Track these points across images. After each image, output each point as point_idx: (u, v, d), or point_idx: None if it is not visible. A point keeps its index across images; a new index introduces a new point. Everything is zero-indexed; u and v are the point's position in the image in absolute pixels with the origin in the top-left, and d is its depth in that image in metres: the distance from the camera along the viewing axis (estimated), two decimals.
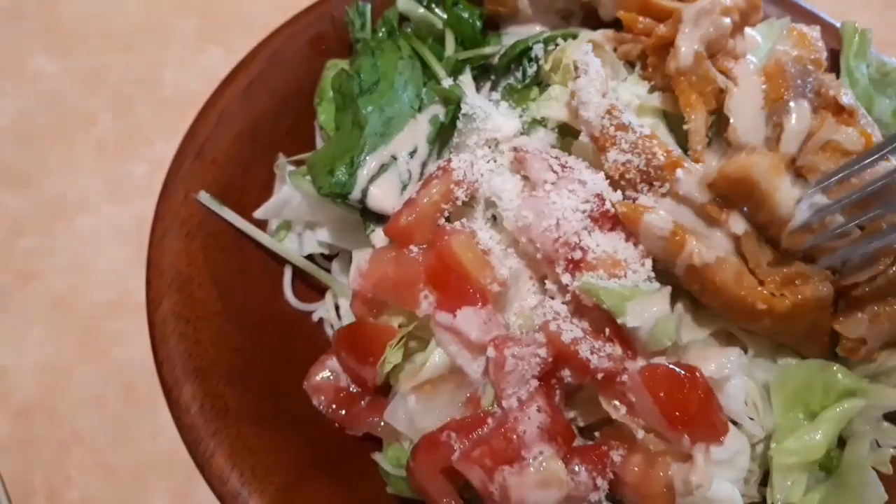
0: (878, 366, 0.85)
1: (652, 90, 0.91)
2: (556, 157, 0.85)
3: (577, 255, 0.80)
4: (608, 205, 0.82)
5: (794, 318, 0.82)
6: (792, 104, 0.83)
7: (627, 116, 0.83)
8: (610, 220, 0.82)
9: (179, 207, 0.94)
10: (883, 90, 1.00)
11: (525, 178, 0.86)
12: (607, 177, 0.84)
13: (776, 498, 0.82)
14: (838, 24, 1.06)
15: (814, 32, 0.93)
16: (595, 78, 0.85)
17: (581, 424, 0.83)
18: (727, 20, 0.86)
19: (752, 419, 0.82)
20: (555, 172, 0.83)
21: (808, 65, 0.87)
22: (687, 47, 0.83)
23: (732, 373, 0.81)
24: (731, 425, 0.79)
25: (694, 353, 0.84)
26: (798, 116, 0.83)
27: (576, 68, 0.87)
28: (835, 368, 0.83)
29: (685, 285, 0.83)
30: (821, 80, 0.86)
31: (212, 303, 0.90)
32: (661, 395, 0.74)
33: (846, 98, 0.85)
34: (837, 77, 0.98)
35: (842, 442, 0.85)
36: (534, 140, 0.89)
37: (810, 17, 1.08)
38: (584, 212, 0.81)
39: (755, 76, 0.86)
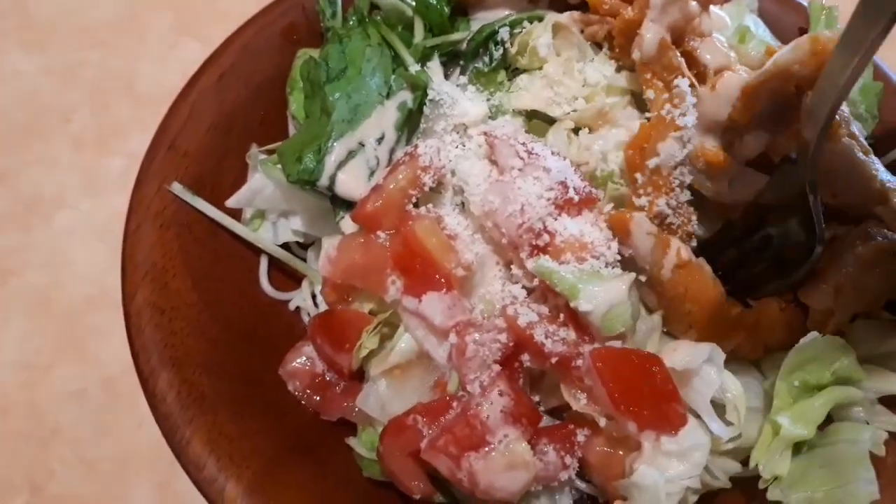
0: (877, 346, 0.84)
1: (619, 70, 0.92)
2: (523, 144, 0.85)
3: (543, 240, 0.81)
4: (571, 192, 0.82)
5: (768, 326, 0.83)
6: (747, 134, 0.84)
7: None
8: (574, 207, 0.82)
9: (153, 199, 0.94)
10: None
11: (493, 162, 0.87)
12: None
13: (761, 470, 0.81)
14: (806, 3, 1.07)
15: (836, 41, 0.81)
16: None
17: (544, 409, 0.83)
18: (694, 4, 0.86)
19: (731, 423, 0.80)
20: (521, 159, 0.84)
21: (798, 93, 0.83)
22: (652, 34, 0.83)
23: (698, 366, 0.79)
24: (692, 420, 0.78)
25: (665, 343, 0.84)
26: (751, 143, 0.85)
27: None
28: (845, 353, 0.82)
29: (669, 293, 0.82)
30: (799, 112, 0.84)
31: (187, 293, 0.91)
32: (609, 376, 0.75)
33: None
34: None
35: (828, 419, 0.84)
36: (505, 124, 0.89)
37: None
38: (548, 199, 0.81)
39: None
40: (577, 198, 0.83)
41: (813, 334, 0.80)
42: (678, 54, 0.85)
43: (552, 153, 0.85)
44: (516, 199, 0.82)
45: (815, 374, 0.80)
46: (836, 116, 0.85)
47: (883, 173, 0.83)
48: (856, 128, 0.87)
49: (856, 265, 0.80)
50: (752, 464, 0.82)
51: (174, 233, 0.94)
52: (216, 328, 0.91)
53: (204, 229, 0.96)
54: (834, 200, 0.83)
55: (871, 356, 0.82)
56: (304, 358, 0.90)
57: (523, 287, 0.84)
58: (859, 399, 0.80)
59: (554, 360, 0.78)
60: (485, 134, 0.87)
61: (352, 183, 0.88)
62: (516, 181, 0.83)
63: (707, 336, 0.82)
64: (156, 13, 1.46)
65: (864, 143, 0.86)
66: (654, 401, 0.78)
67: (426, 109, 0.91)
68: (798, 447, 0.82)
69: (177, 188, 0.94)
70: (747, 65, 0.93)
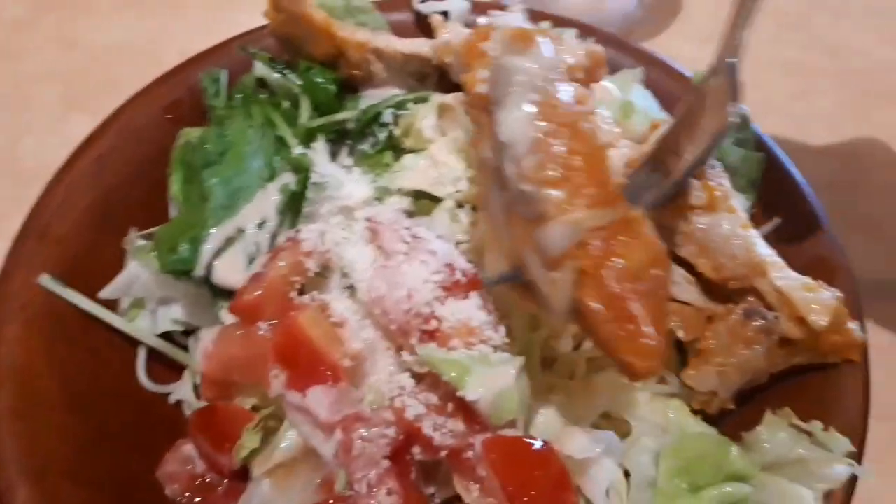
0: (780, 455, 0.80)
1: None
2: (407, 228, 0.84)
3: (432, 325, 0.79)
4: (458, 274, 0.80)
5: None
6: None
7: None
8: (461, 289, 0.81)
9: (19, 292, 0.89)
10: (732, 137, 1.02)
11: (379, 248, 0.85)
12: None
13: None
14: (691, 75, 1.10)
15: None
16: None
17: (439, 501, 0.80)
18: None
19: None
20: (406, 243, 0.82)
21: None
22: None
23: (597, 455, 0.78)
24: None
25: (561, 432, 0.81)
26: None
27: None
28: (733, 448, 0.79)
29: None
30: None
31: (53, 394, 0.85)
32: (502, 467, 0.72)
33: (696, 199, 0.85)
34: None
35: None
36: (386, 209, 0.88)
37: (663, 68, 1.12)
38: (435, 282, 0.80)
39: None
40: (464, 279, 0.82)
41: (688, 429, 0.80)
42: None
43: (437, 236, 0.84)
44: (403, 285, 0.80)
45: (703, 474, 0.79)
46: (718, 192, 0.87)
47: (762, 246, 0.85)
48: (736, 201, 0.88)
49: (736, 345, 0.81)
50: None
51: (41, 328, 0.88)
52: (86, 429, 0.85)
53: (76, 323, 0.91)
54: (715, 274, 0.83)
55: (771, 465, 0.80)
56: (184, 458, 0.85)
57: (414, 374, 0.81)
58: (748, 496, 0.77)
59: (444, 452, 0.75)
60: (367, 220, 0.85)
61: (230, 272, 0.85)
62: (402, 266, 0.81)
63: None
64: (44, 86, 1.41)
65: (745, 216, 0.87)
66: (549, 492, 0.75)
67: (310, 192, 0.89)
68: None
69: (46, 281, 0.89)
70: (632, 138, 0.94)
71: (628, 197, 0.68)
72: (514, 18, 0.75)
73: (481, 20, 0.88)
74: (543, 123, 0.66)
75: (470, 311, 0.79)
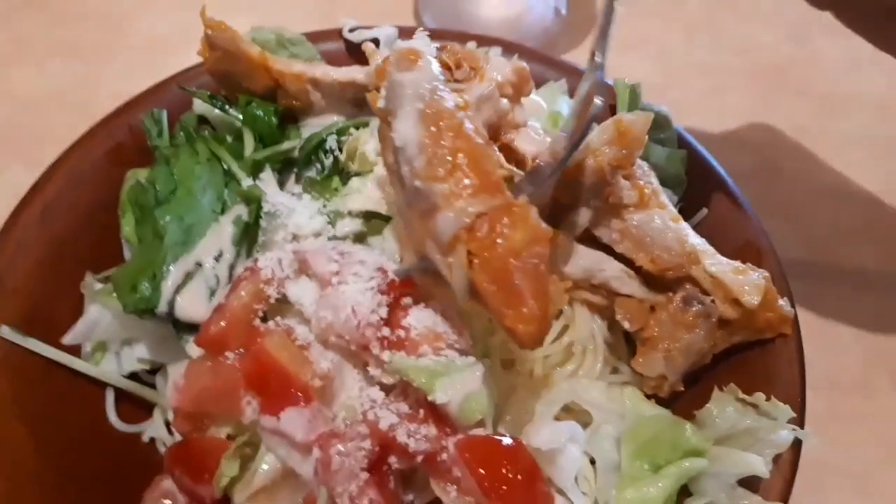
0: (730, 428, 0.85)
1: None
2: (333, 248, 0.88)
3: (398, 335, 0.82)
4: (391, 274, 0.85)
5: None
6: (572, 212, 0.91)
7: None
8: (397, 289, 0.84)
9: None
10: (655, 136, 1.09)
11: (313, 276, 0.88)
12: None
13: None
14: (612, 82, 1.16)
15: (639, 122, 0.90)
16: None
17: None
18: (505, 101, 0.92)
19: (584, 493, 0.84)
20: (336, 261, 0.86)
21: (611, 170, 0.90)
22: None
23: (563, 444, 0.83)
24: (558, 498, 0.81)
25: (527, 427, 0.86)
26: (577, 220, 0.92)
27: None
28: (686, 426, 0.84)
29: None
30: (614, 187, 0.90)
31: (21, 443, 0.86)
32: (476, 465, 0.76)
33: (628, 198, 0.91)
34: None
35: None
36: (311, 243, 0.92)
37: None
38: (372, 288, 0.83)
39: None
40: (397, 279, 0.85)
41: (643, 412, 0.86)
42: (495, 148, 0.90)
43: (362, 248, 0.89)
44: (346, 304, 0.83)
45: (662, 454, 0.84)
46: (647, 189, 0.93)
47: (692, 237, 0.91)
48: (665, 197, 0.95)
49: (679, 331, 0.87)
50: None
51: (6, 379, 0.89)
52: (57, 475, 0.86)
53: (39, 370, 0.92)
54: (653, 266, 0.89)
55: (723, 437, 0.85)
56: (163, 493, 0.86)
57: (383, 387, 0.84)
58: (704, 468, 0.83)
59: (420, 457, 0.79)
60: (294, 254, 0.88)
61: (192, 306, 0.86)
62: (339, 287, 0.84)
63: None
64: None
65: (674, 210, 0.94)
66: (522, 484, 0.79)
67: (263, 222, 0.91)
68: None
69: (5, 331, 0.89)
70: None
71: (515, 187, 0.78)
72: (418, 41, 0.82)
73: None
74: (430, 128, 0.75)
75: (434, 317, 0.83)
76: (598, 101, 0.83)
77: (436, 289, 0.84)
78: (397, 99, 0.77)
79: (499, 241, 0.71)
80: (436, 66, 0.79)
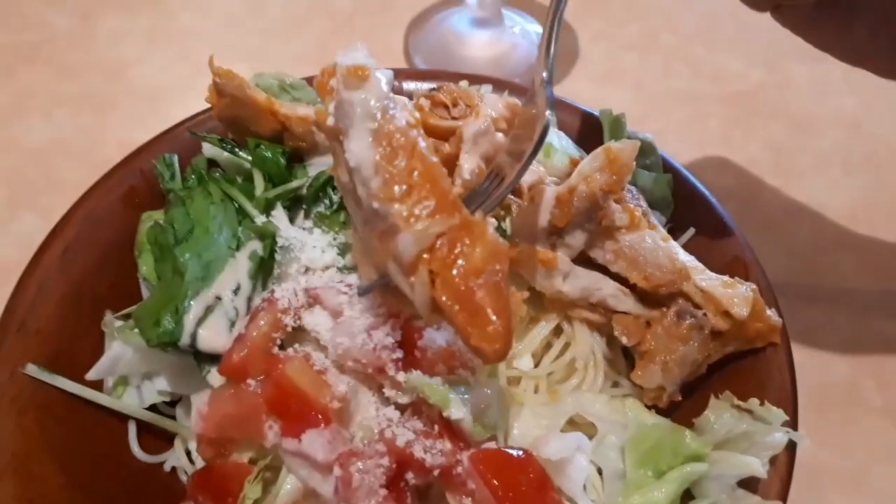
0: (727, 433, 0.89)
1: None
2: (340, 281, 0.93)
3: (400, 354, 0.87)
4: None
5: None
6: (567, 235, 0.96)
7: None
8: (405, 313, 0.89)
9: (7, 386, 0.93)
10: (641, 162, 1.15)
11: (325, 308, 0.92)
12: None
13: None
14: (597, 113, 1.23)
15: (626, 149, 0.95)
16: None
17: None
18: (500, 135, 0.98)
19: (592, 501, 0.89)
20: (345, 293, 0.91)
21: (602, 195, 0.94)
22: (469, 164, 0.93)
23: (571, 454, 0.87)
24: None
25: (536, 439, 0.90)
26: (572, 242, 0.96)
27: None
28: (685, 433, 0.88)
29: None
30: (606, 210, 0.94)
31: (53, 477, 0.89)
32: (491, 476, 0.80)
33: (620, 221, 0.95)
34: None
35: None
36: (329, 273, 0.96)
37: (571, 110, 1.24)
38: (381, 314, 0.88)
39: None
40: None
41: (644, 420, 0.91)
42: None
43: None
44: (360, 330, 0.87)
45: (665, 460, 0.88)
46: (638, 212, 0.99)
47: (682, 254, 0.97)
48: (654, 218, 1.00)
49: (674, 344, 0.92)
50: None
51: (33, 416, 0.92)
52: None
53: (65, 407, 0.95)
54: (647, 283, 0.94)
55: (721, 442, 0.89)
56: None
57: (398, 406, 0.89)
58: (705, 472, 0.87)
59: (436, 472, 0.83)
60: (305, 291, 0.93)
61: (213, 337, 0.90)
62: (351, 314, 0.89)
63: None
64: None
65: (663, 230, 0.99)
66: (534, 493, 0.84)
67: (277, 256, 0.96)
68: None
69: (32, 370, 0.93)
70: (555, 176, 1.06)
71: (468, 204, 0.78)
72: (359, 56, 0.77)
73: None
74: (383, 147, 0.74)
75: (447, 336, 0.88)
76: (549, 115, 0.87)
77: (398, 304, 0.86)
78: (347, 118, 0.75)
79: (459, 261, 0.72)
80: (384, 83, 0.76)
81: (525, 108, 0.97)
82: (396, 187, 0.73)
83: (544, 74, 0.92)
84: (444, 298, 0.72)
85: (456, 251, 0.72)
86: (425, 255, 0.72)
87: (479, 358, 0.73)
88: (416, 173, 0.73)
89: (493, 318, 0.71)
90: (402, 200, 0.73)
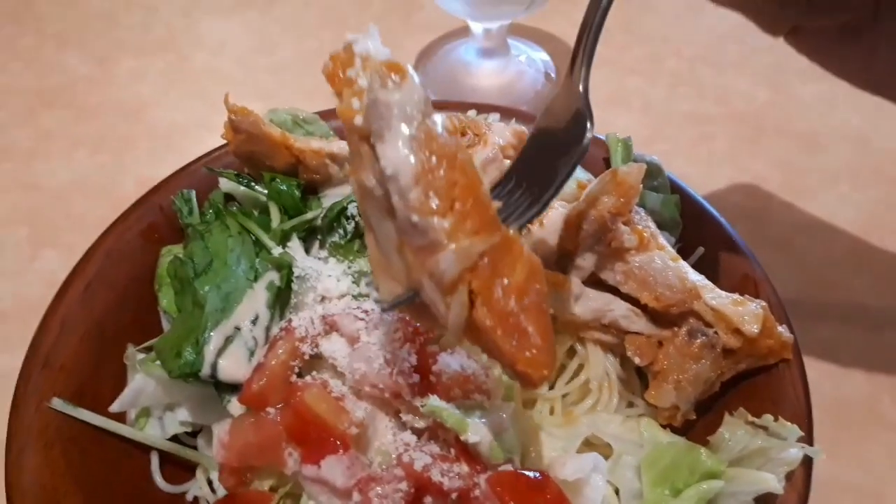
0: (742, 449, 0.89)
1: None
2: (357, 307, 0.95)
3: (417, 378, 0.88)
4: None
5: None
6: (577, 258, 0.98)
7: None
8: (421, 334, 0.90)
9: (33, 420, 0.95)
10: (649, 184, 1.17)
11: (342, 335, 0.94)
12: None
13: None
14: (604, 137, 1.25)
15: (633, 172, 0.97)
16: None
17: None
18: (508, 163, 1.00)
19: None
20: (362, 319, 0.93)
21: (611, 218, 0.95)
22: None
23: (587, 475, 0.87)
24: None
25: (552, 460, 0.91)
26: (583, 265, 0.98)
27: None
28: (701, 451, 0.88)
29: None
30: (615, 233, 0.96)
31: None
32: (508, 498, 0.81)
33: (628, 242, 0.97)
34: None
35: None
36: (345, 300, 0.98)
37: None
38: (399, 339, 0.89)
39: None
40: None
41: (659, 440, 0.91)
42: None
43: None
44: (378, 355, 0.89)
45: (681, 478, 0.88)
46: (646, 233, 1.00)
47: (692, 274, 0.98)
48: (663, 239, 1.02)
49: (686, 363, 0.93)
50: None
51: (60, 450, 0.94)
52: None
53: (90, 439, 0.97)
54: (657, 303, 0.96)
55: (736, 459, 0.89)
56: None
57: (414, 431, 0.90)
58: (722, 489, 0.87)
59: (454, 495, 0.83)
60: (323, 318, 0.95)
61: (234, 367, 0.92)
62: (368, 340, 0.91)
63: None
64: (10, 229, 1.48)
65: (673, 250, 1.01)
66: None
67: (294, 285, 0.98)
68: None
69: (57, 404, 0.95)
70: (564, 199, 1.08)
71: (503, 219, 0.72)
72: (372, 43, 0.71)
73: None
74: (425, 156, 0.67)
75: (462, 361, 0.89)
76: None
77: (423, 321, 0.82)
78: (383, 120, 0.68)
79: (504, 280, 0.68)
80: (420, 83, 0.70)
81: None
82: (437, 200, 0.67)
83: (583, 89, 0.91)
84: (486, 321, 0.68)
85: (498, 270, 0.68)
86: (467, 276, 0.68)
87: (521, 382, 0.70)
88: (457, 186, 0.68)
89: (538, 341, 0.68)
90: (443, 215, 0.67)
